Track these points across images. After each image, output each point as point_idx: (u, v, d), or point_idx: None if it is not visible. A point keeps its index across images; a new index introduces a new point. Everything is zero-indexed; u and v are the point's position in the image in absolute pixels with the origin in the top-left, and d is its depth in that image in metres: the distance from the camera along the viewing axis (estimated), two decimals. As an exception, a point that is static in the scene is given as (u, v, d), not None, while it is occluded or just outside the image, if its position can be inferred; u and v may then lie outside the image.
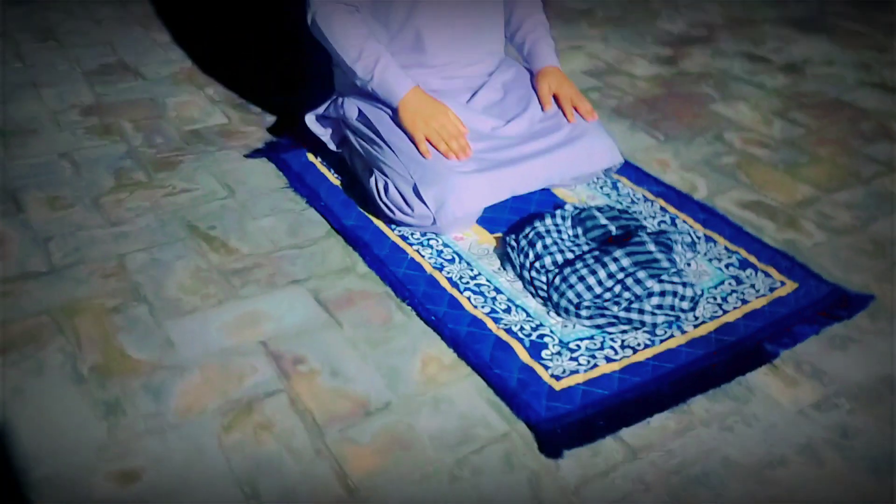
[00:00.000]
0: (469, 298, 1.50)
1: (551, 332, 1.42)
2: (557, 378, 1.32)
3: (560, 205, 1.72)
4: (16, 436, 1.20)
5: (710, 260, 1.62)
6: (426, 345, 1.40)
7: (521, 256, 1.54)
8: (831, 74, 2.54)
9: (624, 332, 1.42)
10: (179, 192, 1.82)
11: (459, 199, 1.60)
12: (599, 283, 1.43)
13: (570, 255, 1.52)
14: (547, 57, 1.87)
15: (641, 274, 1.43)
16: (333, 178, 1.89)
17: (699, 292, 1.47)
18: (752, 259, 1.63)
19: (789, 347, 1.41)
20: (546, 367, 1.34)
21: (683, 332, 1.43)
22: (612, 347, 1.39)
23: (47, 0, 2.93)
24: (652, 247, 1.48)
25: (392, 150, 1.67)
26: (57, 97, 2.24)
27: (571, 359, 1.37)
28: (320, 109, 1.87)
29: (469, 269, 1.58)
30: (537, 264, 1.50)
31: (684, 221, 1.75)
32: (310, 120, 1.88)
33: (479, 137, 1.70)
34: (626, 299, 1.42)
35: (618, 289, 1.43)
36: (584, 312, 1.42)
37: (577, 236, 1.60)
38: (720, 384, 1.33)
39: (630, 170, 1.94)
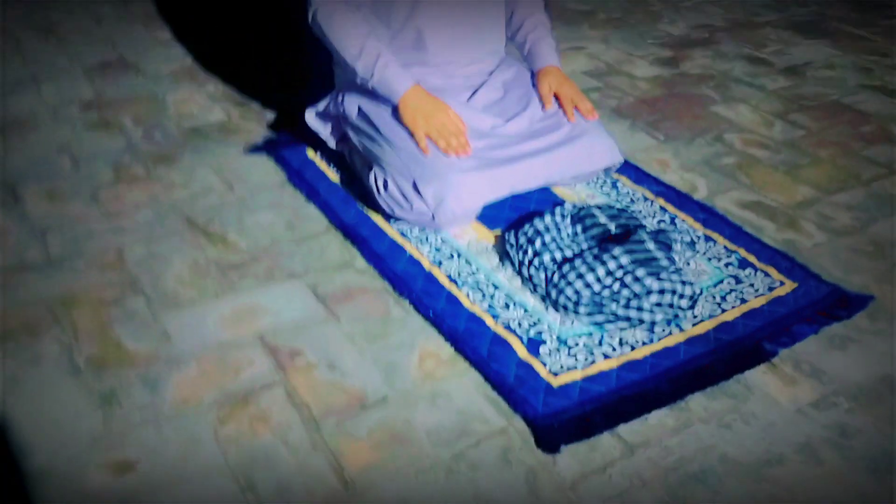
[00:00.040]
0: (467, 294, 1.49)
1: (549, 328, 1.42)
2: (555, 374, 1.32)
3: (559, 203, 1.71)
4: (11, 426, 1.19)
5: (709, 259, 1.62)
6: (424, 340, 1.39)
7: (520, 254, 1.54)
8: (832, 77, 2.54)
9: (622, 329, 1.42)
10: (178, 186, 1.82)
11: (458, 197, 1.60)
12: (598, 280, 1.43)
13: (568, 253, 1.52)
14: (548, 56, 1.86)
15: (640, 272, 1.42)
16: (333, 175, 1.88)
17: (698, 291, 1.47)
18: (752, 259, 1.62)
19: (788, 346, 1.40)
20: (544, 364, 1.34)
21: (682, 330, 1.43)
22: (610, 344, 1.39)
23: (48, -1, 2.95)
24: (651, 245, 1.48)
25: (392, 147, 1.66)
26: (57, 92, 2.25)
27: (569, 355, 1.36)
28: (320, 106, 1.87)
29: (468, 265, 1.58)
30: (536, 261, 1.50)
31: (684, 221, 1.74)
32: (309, 117, 1.88)
33: (479, 135, 1.70)
34: (625, 297, 1.41)
35: (617, 287, 1.42)
36: (582, 309, 1.42)
37: (576, 234, 1.59)
38: (718, 382, 1.32)
39: (630, 169, 1.94)
